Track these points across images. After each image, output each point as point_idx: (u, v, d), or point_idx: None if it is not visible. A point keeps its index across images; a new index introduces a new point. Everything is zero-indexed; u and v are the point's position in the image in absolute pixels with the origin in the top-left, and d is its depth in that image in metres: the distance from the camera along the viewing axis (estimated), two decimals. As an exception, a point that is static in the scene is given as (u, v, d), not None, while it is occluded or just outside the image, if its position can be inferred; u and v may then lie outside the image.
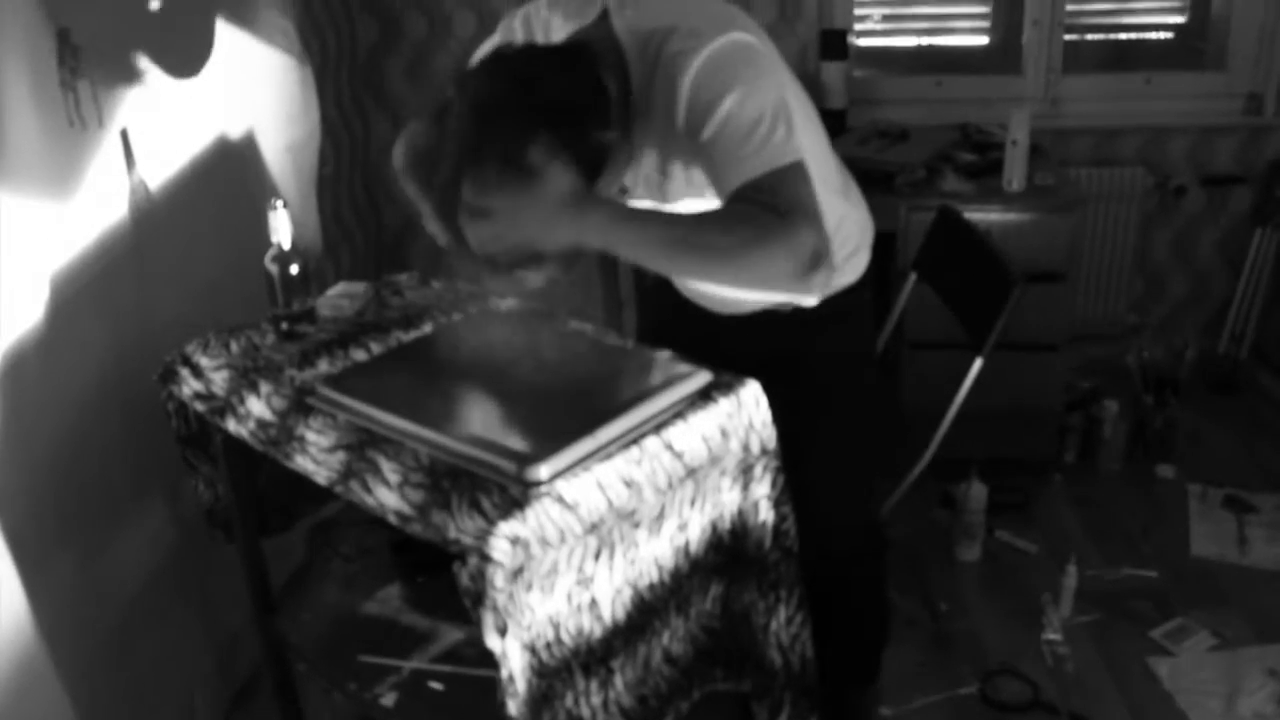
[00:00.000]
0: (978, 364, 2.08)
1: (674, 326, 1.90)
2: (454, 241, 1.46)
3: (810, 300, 1.55)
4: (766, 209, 1.38)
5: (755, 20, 1.59)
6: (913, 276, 2.45)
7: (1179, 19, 3.59)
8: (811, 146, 1.66)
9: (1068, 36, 3.50)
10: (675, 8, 1.53)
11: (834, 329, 1.85)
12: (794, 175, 1.42)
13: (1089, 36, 3.61)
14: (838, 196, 1.78)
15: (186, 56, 2.23)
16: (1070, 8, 3.47)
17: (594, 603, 1.41)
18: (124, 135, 2.00)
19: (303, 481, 1.58)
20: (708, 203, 1.50)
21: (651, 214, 1.46)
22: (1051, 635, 2.52)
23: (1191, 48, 3.60)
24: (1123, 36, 3.65)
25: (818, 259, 1.38)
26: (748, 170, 1.41)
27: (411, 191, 1.65)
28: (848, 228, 1.81)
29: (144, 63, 2.06)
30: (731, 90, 1.41)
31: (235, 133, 2.44)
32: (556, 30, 1.58)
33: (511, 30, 1.64)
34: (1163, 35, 3.63)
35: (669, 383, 1.50)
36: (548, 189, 1.37)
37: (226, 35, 2.37)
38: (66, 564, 1.87)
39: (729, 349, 1.64)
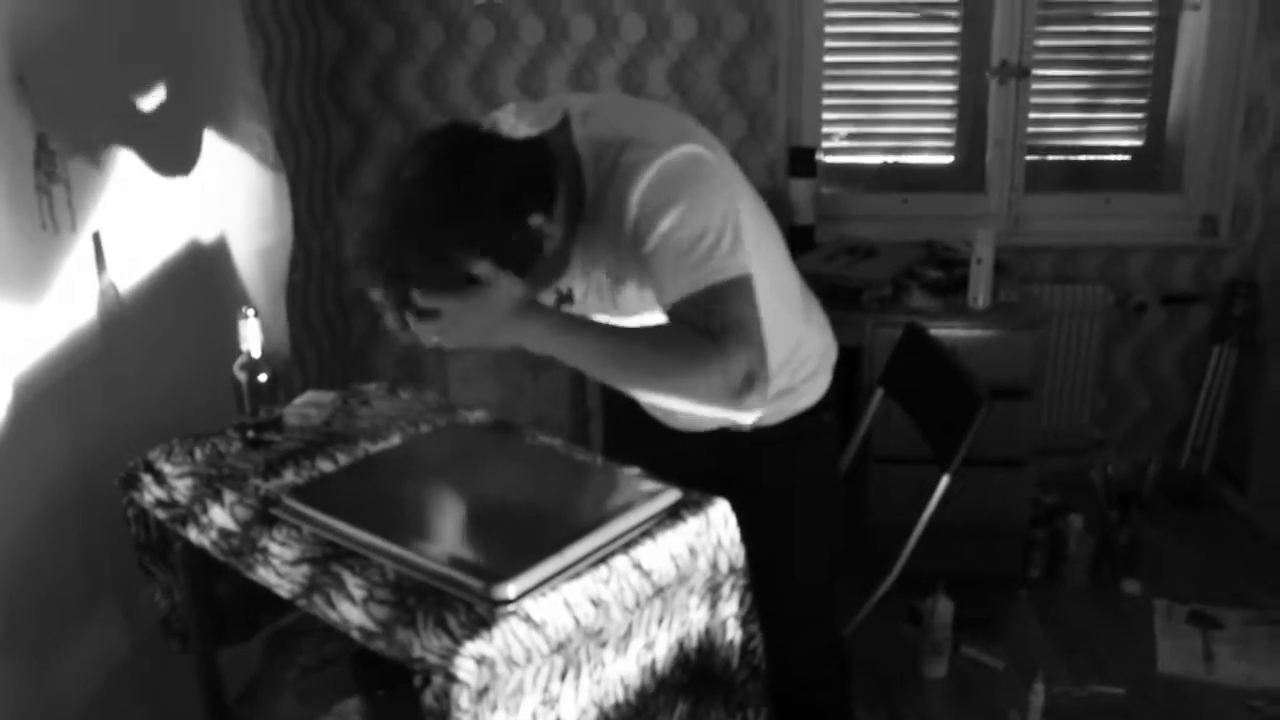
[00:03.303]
0: (944, 482, 2.09)
1: (637, 441, 1.91)
2: (400, 322, 1.50)
3: (747, 420, 1.56)
4: (701, 330, 1.43)
5: (717, 137, 1.64)
6: (879, 392, 2.47)
7: (1135, 142, 3.71)
8: (769, 264, 1.70)
9: (1029, 157, 3.61)
10: (634, 119, 1.58)
11: (794, 451, 1.86)
12: (734, 292, 1.45)
13: (1050, 157, 3.72)
14: (797, 317, 1.81)
15: (163, 161, 2.26)
16: (1031, 130, 3.59)
17: (559, 724, 1.39)
18: (96, 238, 2.01)
19: (264, 591, 1.56)
20: (659, 315, 1.53)
21: (589, 326, 1.51)
22: (1020, 755, 2.50)
23: (1148, 170, 3.72)
24: (1082, 158, 3.77)
25: (751, 381, 1.43)
26: (686, 285, 1.45)
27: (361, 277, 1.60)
28: (806, 349, 1.83)
29: (119, 167, 2.08)
30: (676, 204, 1.45)
31: (207, 237, 2.46)
32: (520, 136, 1.62)
33: None
34: (1120, 157, 3.75)
35: (637, 501, 1.50)
36: (492, 297, 1.43)
37: (203, 141, 2.40)
38: (13, 673, 1.83)
39: (690, 466, 1.65)
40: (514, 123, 1.63)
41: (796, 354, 1.81)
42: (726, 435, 1.82)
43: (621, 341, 1.48)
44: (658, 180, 1.47)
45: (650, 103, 1.77)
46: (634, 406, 1.97)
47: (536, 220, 1.47)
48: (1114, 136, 3.74)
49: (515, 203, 1.45)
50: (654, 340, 1.47)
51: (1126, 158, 3.75)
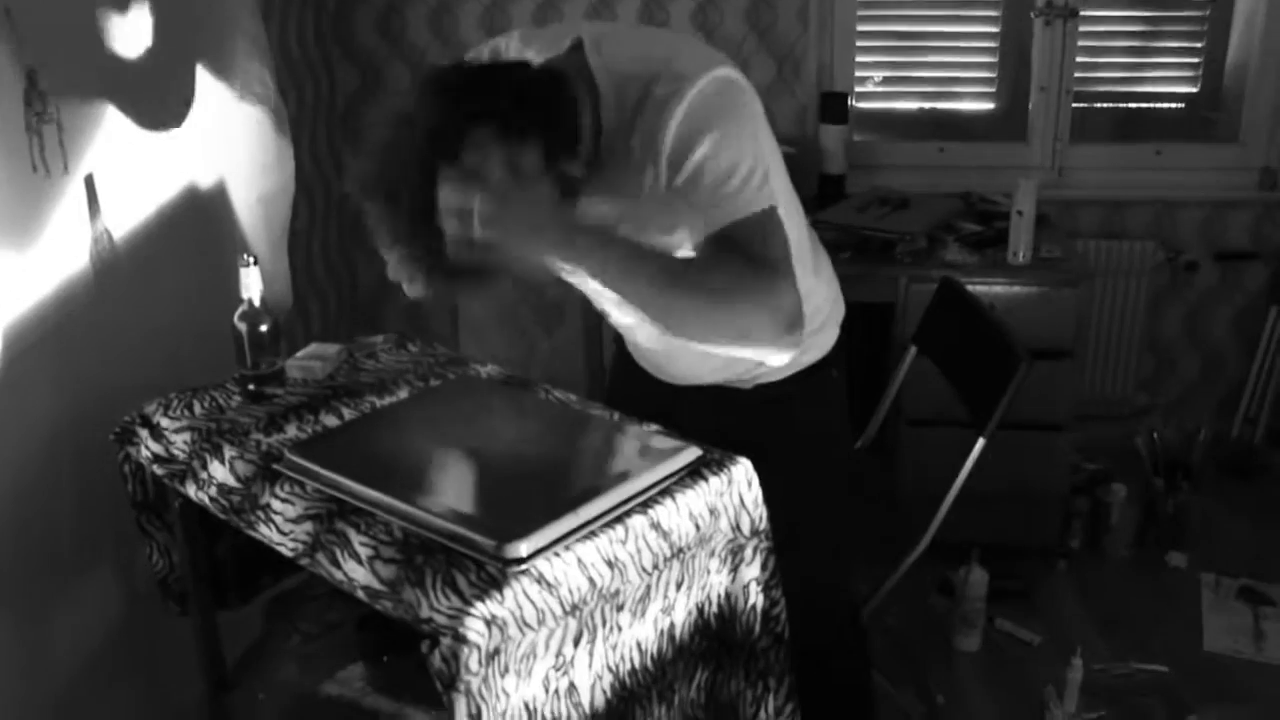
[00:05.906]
0: (980, 445, 2.09)
1: (636, 397, 1.90)
2: (412, 243, 1.41)
3: (776, 362, 1.55)
4: (747, 260, 1.42)
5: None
6: (912, 350, 2.47)
7: (1190, 89, 3.67)
8: (785, 210, 1.69)
9: (1076, 104, 3.57)
10: (657, 48, 1.55)
11: (799, 407, 1.86)
12: (770, 223, 1.46)
13: (1098, 104, 3.68)
14: (806, 268, 1.80)
15: (159, 102, 2.26)
16: (1078, 75, 3.55)
17: (572, 688, 1.41)
18: (89, 181, 2.02)
19: (264, 553, 1.57)
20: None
21: (639, 246, 1.46)
22: (1055, 733, 2.52)
23: (1203, 119, 3.68)
24: (1132, 105, 3.73)
25: (794, 319, 1.43)
26: (725, 214, 1.44)
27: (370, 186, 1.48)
28: (815, 301, 1.82)
29: (114, 107, 2.09)
30: (713, 128, 1.44)
31: (205, 182, 2.47)
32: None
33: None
34: (1173, 105, 3.71)
35: (657, 458, 1.51)
36: (544, 186, 1.39)
37: (201, 81, 2.40)
38: (3, 635, 1.85)
39: (689, 424, 1.65)
40: (520, 48, 1.60)
41: (806, 304, 1.80)
42: (726, 391, 1.82)
43: (676, 265, 1.45)
44: (695, 104, 1.45)
45: (668, 31, 1.74)
46: (627, 359, 1.97)
47: (569, 167, 1.43)
48: (1167, 83, 3.70)
49: (555, 148, 1.42)
50: (707, 266, 1.44)
51: (1180, 105, 3.71)
